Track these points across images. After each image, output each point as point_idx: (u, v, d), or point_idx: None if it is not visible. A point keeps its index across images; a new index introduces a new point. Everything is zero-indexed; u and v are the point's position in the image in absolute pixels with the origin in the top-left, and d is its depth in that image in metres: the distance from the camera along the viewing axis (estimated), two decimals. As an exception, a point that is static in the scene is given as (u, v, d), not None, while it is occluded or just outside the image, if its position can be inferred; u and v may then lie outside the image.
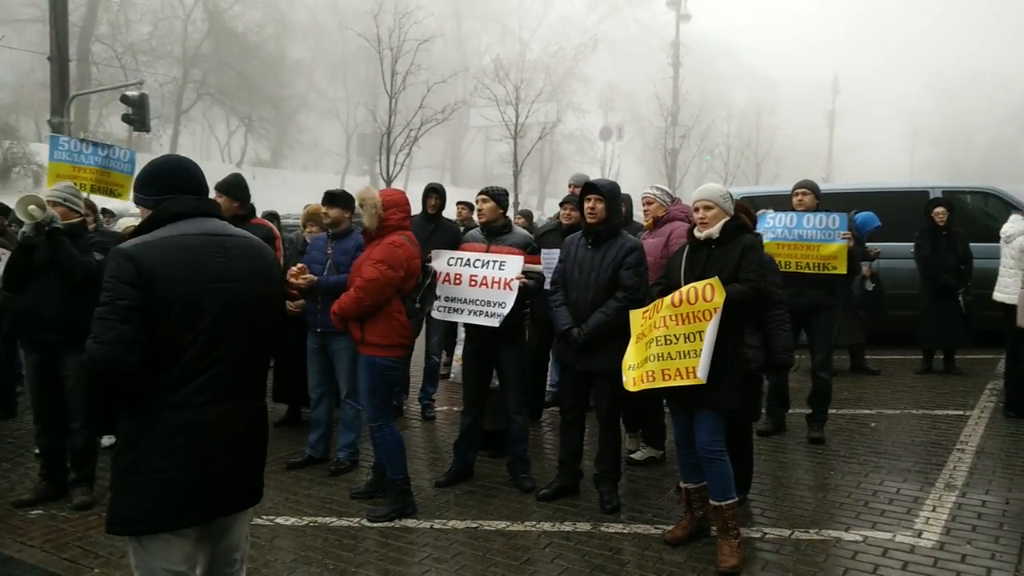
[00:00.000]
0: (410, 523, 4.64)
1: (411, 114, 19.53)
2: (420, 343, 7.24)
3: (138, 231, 2.52)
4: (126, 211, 12.24)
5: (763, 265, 4.14)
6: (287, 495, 5.09)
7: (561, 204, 6.81)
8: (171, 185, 2.58)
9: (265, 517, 4.70)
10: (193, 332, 2.40)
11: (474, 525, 4.61)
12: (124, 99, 14.37)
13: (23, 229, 4.55)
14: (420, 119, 19.58)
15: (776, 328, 4.48)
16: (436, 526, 4.60)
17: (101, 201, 7.92)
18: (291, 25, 50.00)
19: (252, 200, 6.11)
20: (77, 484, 4.85)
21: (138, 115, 14.22)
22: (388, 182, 18.89)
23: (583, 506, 4.92)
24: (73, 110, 14.89)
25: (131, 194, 7.83)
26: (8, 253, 5.48)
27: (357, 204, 4.81)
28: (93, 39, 42.21)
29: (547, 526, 4.60)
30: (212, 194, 5.62)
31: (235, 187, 5.60)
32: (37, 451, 5.38)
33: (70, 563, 4.05)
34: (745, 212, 4.58)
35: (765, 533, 4.49)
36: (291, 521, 4.66)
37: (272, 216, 9.49)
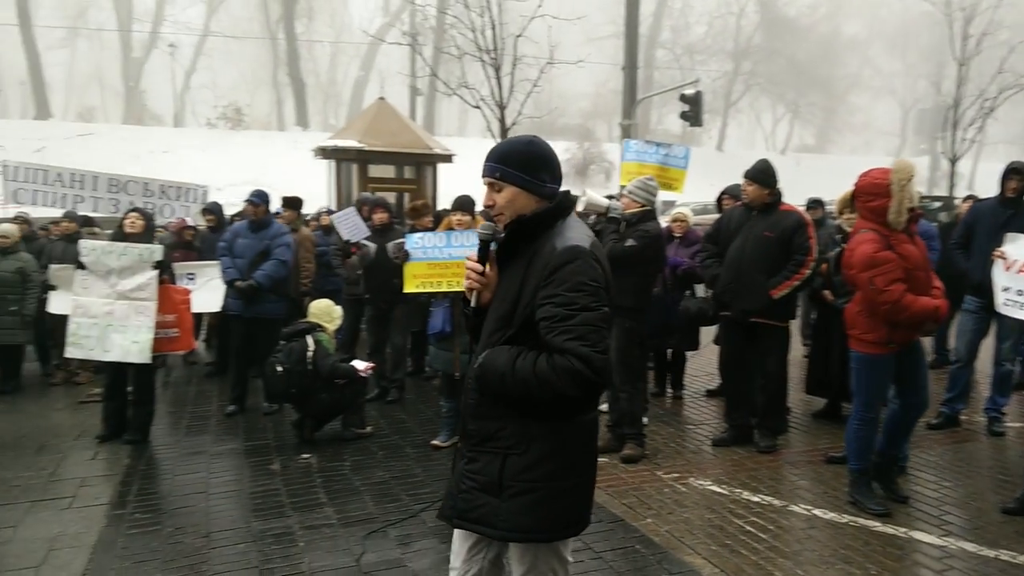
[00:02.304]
0: (969, 547, 4.08)
1: (986, 81, 16.87)
2: (987, 345, 6.29)
3: (535, 220, 2.32)
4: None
5: None
6: (826, 488, 4.95)
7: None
8: (558, 174, 2.40)
9: (802, 505, 4.67)
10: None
11: (1056, 568, 3.84)
12: (683, 97, 15.61)
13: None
14: (997, 87, 16.78)
15: None
16: (1003, 557, 3.96)
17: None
18: (845, 1, 47.61)
19: (788, 187, 6.03)
20: (631, 438, 5.52)
21: (693, 111, 15.32)
22: (953, 160, 16.69)
23: None
24: (638, 112, 16.76)
25: (683, 187, 8.51)
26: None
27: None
28: (657, 46, 46.70)
29: None
30: (741, 181, 5.78)
31: (763, 173, 5.61)
32: (603, 407, 6.31)
33: (627, 508, 4.64)
34: None
35: None
36: (829, 515, 4.53)
37: (816, 203, 9.28)
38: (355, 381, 5.99)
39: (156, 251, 5.90)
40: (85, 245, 5.95)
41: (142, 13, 48.76)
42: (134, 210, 6.38)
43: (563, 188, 2.42)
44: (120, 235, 6.20)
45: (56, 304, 6.95)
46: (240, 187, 23.00)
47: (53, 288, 7.17)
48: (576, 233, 2.29)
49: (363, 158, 11.49)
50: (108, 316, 5.77)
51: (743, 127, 55.80)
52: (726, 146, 46.62)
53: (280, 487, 5.06)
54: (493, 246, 2.40)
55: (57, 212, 9.04)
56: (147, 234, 6.24)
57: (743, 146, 50.67)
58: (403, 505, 4.72)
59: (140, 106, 47.92)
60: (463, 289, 2.43)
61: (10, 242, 7.80)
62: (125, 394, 6.08)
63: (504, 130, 12.66)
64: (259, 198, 6.88)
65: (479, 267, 2.40)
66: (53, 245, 8.42)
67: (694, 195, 23.80)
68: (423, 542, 4.23)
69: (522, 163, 2.32)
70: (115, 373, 6.05)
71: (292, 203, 8.43)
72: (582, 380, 2.12)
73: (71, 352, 5.95)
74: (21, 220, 9.10)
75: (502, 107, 12.58)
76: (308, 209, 9.34)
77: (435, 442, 5.85)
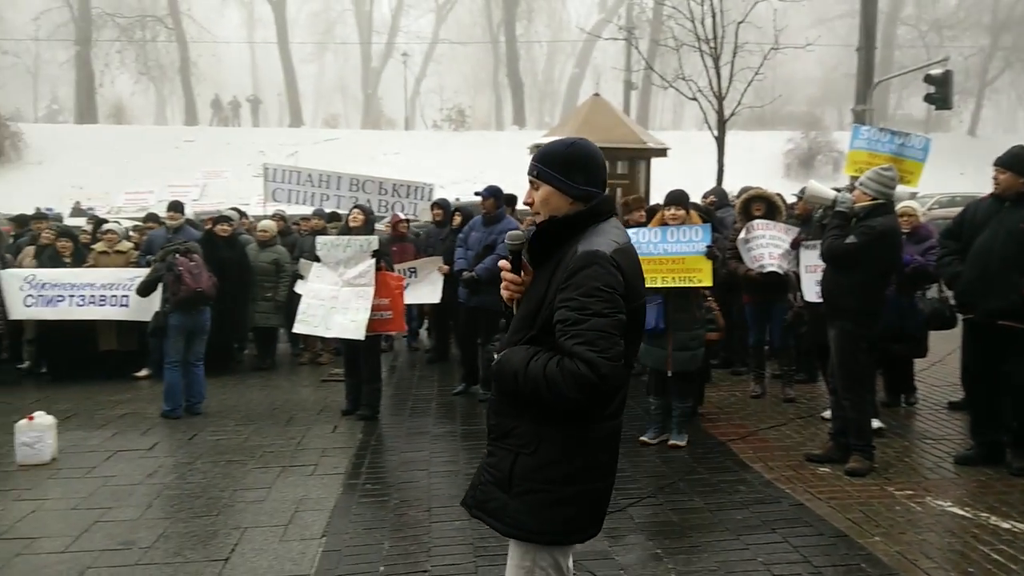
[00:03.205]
0: None
1: None
2: None
3: (563, 223, 2.33)
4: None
5: None
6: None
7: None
8: (596, 178, 2.37)
9: (1066, 539, 4.07)
10: (632, 346, 2.37)
11: None
12: (928, 78, 14.15)
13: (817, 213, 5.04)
14: None
15: None
16: None
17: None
18: None
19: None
20: (857, 450, 5.11)
21: (940, 93, 13.82)
22: None
23: None
24: (874, 97, 15.44)
25: (919, 181, 7.72)
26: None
27: None
28: (898, 23, 42.73)
29: None
30: (992, 171, 5.09)
31: (1018, 159, 4.94)
32: (826, 414, 5.91)
33: (852, 524, 4.31)
34: None
35: None
36: (1102, 554, 3.91)
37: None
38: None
39: (373, 241, 6.56)
40: (319, 241, 6.78)
41: (380, 26, 52.93)
42: (357, 206, 7.06)
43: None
44: (346, 229, 6.90)
45: (302, 289, 7.81)
46: (461, 184, 24.27)
47: (301, 277, 8.04)
48: (603, 238, 2.27)
49: (577, 154, 11.64)
50: (333, 300, 6.54)
51: (1001, 109, 49.51)
52: (980, 131, 41.49)
53: (493, 471, 5.29)
54: (525, 254, 2.44)
55: (308, 209, 10.11)
56: (367, 227, 6.87)
57: (1002, 130, 44.88)
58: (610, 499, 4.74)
59: (376, 112, 52.10)
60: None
61: (268, 236, 8.86)
62: (360, 373, 6.68)
63: (722, 122, 12.25)
64: (487, 193, 7.21)
65: (516, 277, 2.43)
66: (304, 239, 9.42)
67: (941, 186, 21.54)
68: (631, 537, 4.22)
69: (558, 163, 2.34)
70: (352, 354, 6.67)
71: (505, 200, 8.73)
72: (585, 384, 2.12)
73: (298, 328, 6.85)
74: (278, 217, 10.28)
75: (720, 98, 12.18)
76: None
77: (643, 438, 5.81)
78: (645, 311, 2.44)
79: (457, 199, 11.45)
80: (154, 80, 46.15)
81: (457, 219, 8.51)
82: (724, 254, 6.73)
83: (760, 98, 15.19)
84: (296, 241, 9.56)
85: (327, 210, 9.81)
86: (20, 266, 8.49)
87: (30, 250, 8.87)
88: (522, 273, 2.44)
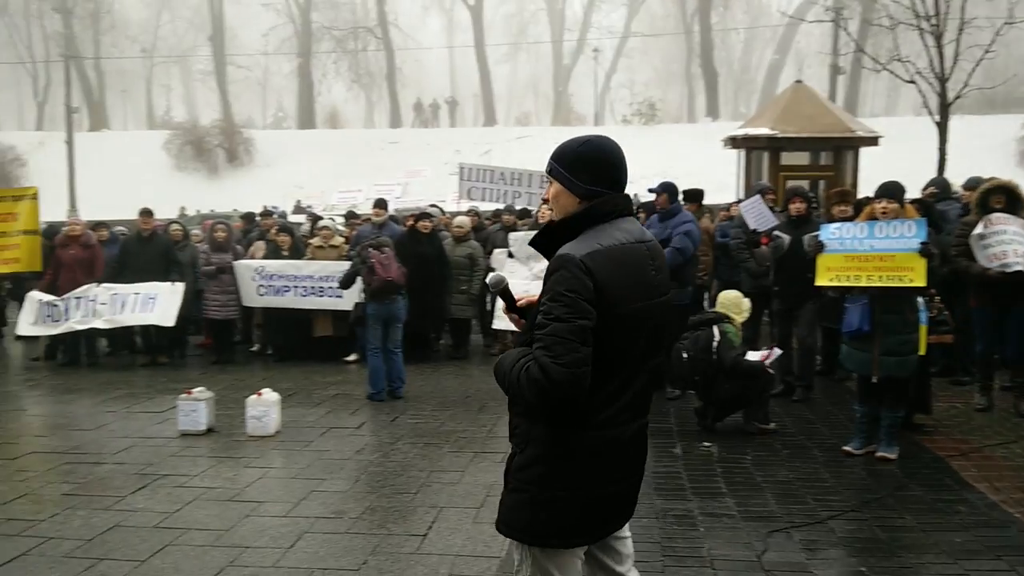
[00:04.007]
0: None
1: None
2: None
3: (563, 226, 2.31)
4: None
5: None
6: None
7: None
8: (605, 178, 2.30)
9: None
10: (630, 352, 2.28)
11: None
12: None
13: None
14: None
15: None
16: None
17: None
18: None
19: None
20: None
21: None
22: None
23: None
24: None
25: None
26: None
27: None
28: None
29: None
30: None
31: None
32: None
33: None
34: None
35: None
36: None
37: None
38: (760, 375, 5.86)
39: None
40: (512, 237, 7.00)
41: (572, 23, 53.43)
42: (545, 201, 7.18)
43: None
44: (536, 225, 7.08)
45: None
46: (650, 179, 23.95)
47: (493, 270, 8.35)
48: (588, 240, 2.23)
49: (775, 146, 11.09)
50: (525, 294, 6.68)
51: None
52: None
53: (681, 471, 5.20)
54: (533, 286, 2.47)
55: (500, 206, 10.45)
56: None
57: None
58: (808, 509, 4.50)
59: (567, 109, 52.65)
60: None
61: (464, 232, 9.26)
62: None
63: (944, 106, 11.12)
64: (661, 188, 7.12)
65: (519, 320, 2.51)
66: (495, 234, 9.75)
67: None
68: (831, 551, 3.98)
69: (568, 161, 2.33)
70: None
71: (692, 195, 8.52)
72: (539, 389, 2.16)
73: (497, 323, 7.37)
74: (472, 213, 10.70)
75: (943, 79, 11.05)
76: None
77: (846, 448, 5.44)
78: (655, 316, 2.33)
79: (635, 195, 11.30)
80: (364, 87, 49.69)
81: (641, 216, 8.42)
82: (948, 251, 6.11)
83: (991, 79, 13.60)
84: (489, 236, 9.91)
85: (518, 207, 10.08)
86: (252, 259, 9.50)
87: (261, 244, 9.89)
88: (518, 303, 2.54)
